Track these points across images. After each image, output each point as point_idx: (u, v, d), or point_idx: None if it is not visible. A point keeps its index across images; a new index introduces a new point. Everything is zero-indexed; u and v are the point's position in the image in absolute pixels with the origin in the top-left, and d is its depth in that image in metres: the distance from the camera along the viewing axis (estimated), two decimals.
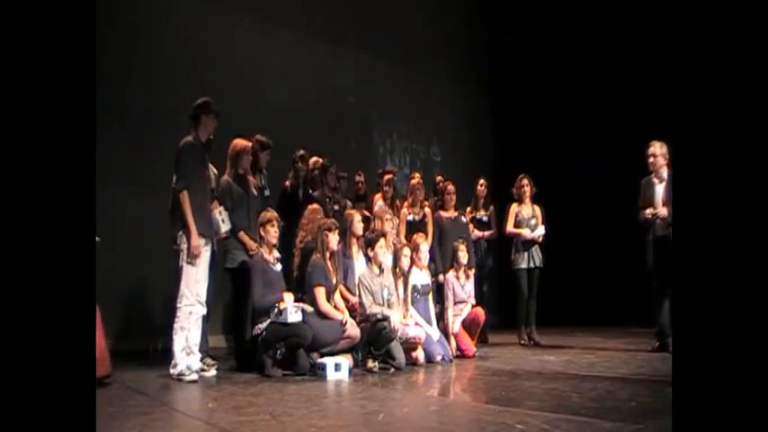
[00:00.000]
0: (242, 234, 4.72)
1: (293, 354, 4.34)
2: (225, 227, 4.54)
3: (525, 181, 6.37)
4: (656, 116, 8.17)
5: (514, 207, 6.32)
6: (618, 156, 9.07)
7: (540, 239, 6.21)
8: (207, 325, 4.59)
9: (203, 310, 4.24)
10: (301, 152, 5.56)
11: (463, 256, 5.55)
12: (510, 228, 6.26)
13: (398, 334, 4.69)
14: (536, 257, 6.22)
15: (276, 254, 4.66)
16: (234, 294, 4.87)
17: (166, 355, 4.45)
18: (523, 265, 6.20)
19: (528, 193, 6.34)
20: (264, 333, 4.35)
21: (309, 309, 4.49)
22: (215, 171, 4.94)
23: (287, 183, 5.48)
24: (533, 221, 6.25)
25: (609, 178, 9.17)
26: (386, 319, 4.56)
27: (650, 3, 8.31)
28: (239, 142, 4.93)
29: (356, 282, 4.93)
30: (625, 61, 8.98)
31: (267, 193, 5.28)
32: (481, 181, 6.73)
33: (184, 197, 4.12)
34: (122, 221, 6.15)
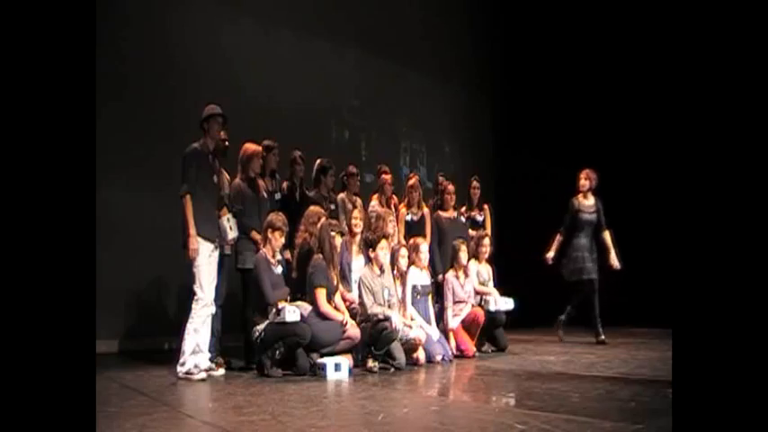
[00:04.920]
0: (254, 233, 4.79)
1: (292, 353, 4.34)
2: (232, 234, 4.58)
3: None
4: (659, 116, 8.20)
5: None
6: (619, 155, 9.08)
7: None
8: (219, 324, 4.64)
9: (213, 310, 4.33)
10: (298, 153, 5.56)
11: (464, 256, 5.54)
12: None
13: (399, 335, 4.69)
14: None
15: (279, 256, 4.68)
16: (244, 294, 4.90)
17: (171, 355, 4.47)
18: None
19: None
20: (263, 334, 4.35)
21: (308, 308, 4.49)
22: (228, 177, 5.00)
23: (284, 184, 5.49)
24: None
25: (610, 178, 9.17)
26: (387, 319, 4.56)
27: (652, 3, 8.31)
28: (250, 146, 5.01)
29: (355, 281, 4.93)
30: (627, 61, 8.97)
31: (278, 196, 5.31)
32: (474, 183, 6.70)
33: (186, 201, 4.22)
34: (133, 221, 6.17)
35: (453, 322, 5.41)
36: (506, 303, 5.68)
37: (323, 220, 4.90)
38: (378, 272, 4.85)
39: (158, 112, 6.48)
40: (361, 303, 4.80)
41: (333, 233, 4.67)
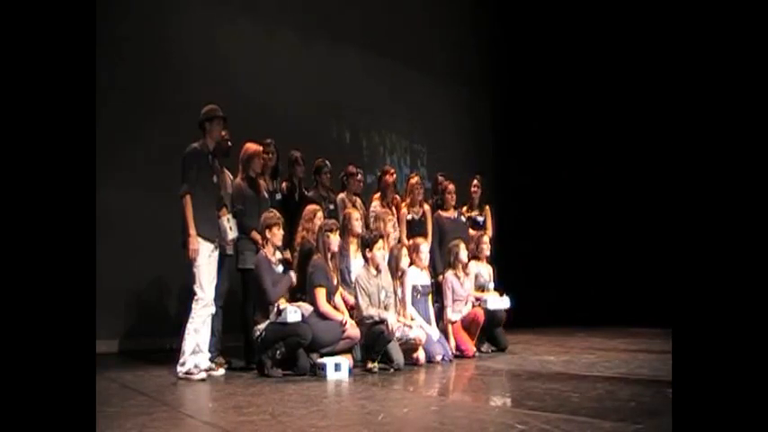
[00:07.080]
0: (254, 233, 4.78)
1: (293, 354, 4.34)
2: (232, 234, 4.59)
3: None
4: (659, 116, 8.20)
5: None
6: (619, 155, 9.09)
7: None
8: (219, 324, 4.65)
9: (213, 310, 4.34)
10: (298, 153, 5.56)
11: (464, 254, 5.53)
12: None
13: (398, 335, 4.68)
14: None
15: (279, 255, 4.68)
16: (244, 294, 4.90)
17: (171, 355, 4.47)
18: None
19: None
20: (264, 333, 4.35)
21: (309, 308, 4.49)
22: (231, 176, 4.99)
23: (284, 184, 5.49)
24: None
25: (609, 178, 9.18)
26: (383, 322, 4.54)
27: (652, 4, 8.31)
28: (250, 146, 5.01)
29: (353, 282, 4.93)
30: (628, 61, 8.97)
31: (278, 196, 5.30)
32: (474, 181, 6.68)
33: (186, 201, 4.22)
34: (133, 221, 6.17)
35: (453, 316, 5.39)
36: (503, 302, 5.69)
37: (319, 214, 4.91)
38: (374, 272, 4.82)
39: (158, 113, 6.48)
40: (357, 305, 4.79)
41: (329, 232, 4.66)
